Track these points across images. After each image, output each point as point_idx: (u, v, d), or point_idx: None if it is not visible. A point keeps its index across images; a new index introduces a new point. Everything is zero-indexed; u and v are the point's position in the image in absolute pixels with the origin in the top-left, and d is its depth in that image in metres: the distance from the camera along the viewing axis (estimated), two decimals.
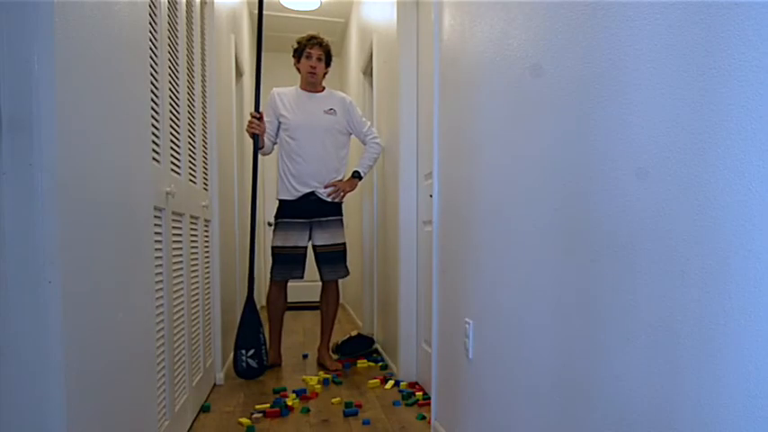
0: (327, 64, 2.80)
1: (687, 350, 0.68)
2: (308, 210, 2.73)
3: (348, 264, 2.87)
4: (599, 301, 0.86)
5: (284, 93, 2.78)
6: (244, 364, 2.52)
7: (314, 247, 2.77)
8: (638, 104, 0.77)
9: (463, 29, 1.53)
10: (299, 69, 2.79)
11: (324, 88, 2.83)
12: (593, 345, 0.88)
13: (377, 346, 3.19)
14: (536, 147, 1.08)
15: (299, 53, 2.76)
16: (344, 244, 2.84)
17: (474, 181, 1.45)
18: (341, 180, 2.77)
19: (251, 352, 2.52)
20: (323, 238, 2.75)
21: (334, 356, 3.00)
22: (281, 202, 2.77)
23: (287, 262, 2.72)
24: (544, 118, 1.05)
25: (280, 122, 2.75)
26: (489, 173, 1.34)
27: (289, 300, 4.28)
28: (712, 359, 0.64)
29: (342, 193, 2.74)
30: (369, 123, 2.86)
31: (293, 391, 2.33)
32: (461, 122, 1.56)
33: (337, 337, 3.28)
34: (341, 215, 2.83)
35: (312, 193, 2.71)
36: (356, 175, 2.77)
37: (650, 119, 0.74)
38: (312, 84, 2.77)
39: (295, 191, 2.71)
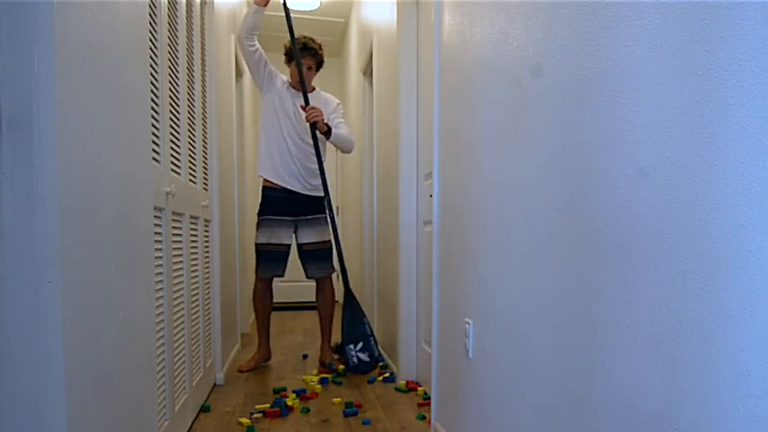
0: (318, 69, 2.84)
1: (687, 350, 0.68)
2: (294, 208, 2.77)
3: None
4: (599, 302, 0.86)
5: (279, 76, 2.80)
6: (355, 359, 2.49)
7: (300, 245, 2.81)
8: (638, 104, 0.77)
9: (463, 29, 1.53)
10: (288, 67, 2.81)
11: (314, 88, 2.86)
12: (592, 345, 0.88)
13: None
14: (536, 147, 1.08)
15: (289, 58, 2.77)
16: (330, 242, 2.86)
17: (474, 181, 1.45)
18: (320, 173, 2.79)
19: (359, 345, 2.49)
20: (310, 235, 2.78)
21: (335, 356, 3.00)
22: (265, 195, 2.77)
23: (272, 260, 2.75)
24: (544, 118, 1.05)
25: (267, 84, 2.75)
26: (489, 173, 1.34)
27: (287, 300, 4.26)
28: (713, 359, 0.64)
29: (316, 116, 2.59)
30: (340, 121, 2.83)
31: (293, 391, 2.33)
32: (461, 122, 1.56)
33: (337, 336, 3.28)
34: (324, 213, 2.85)
35: (296, 192, 2.76)
36: (327, 129, 2.67)
37: (650, 119, 0.74)
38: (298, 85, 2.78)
39: (280, 180, 2.74)
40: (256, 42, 2.68)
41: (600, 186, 0.86)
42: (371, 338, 2.50)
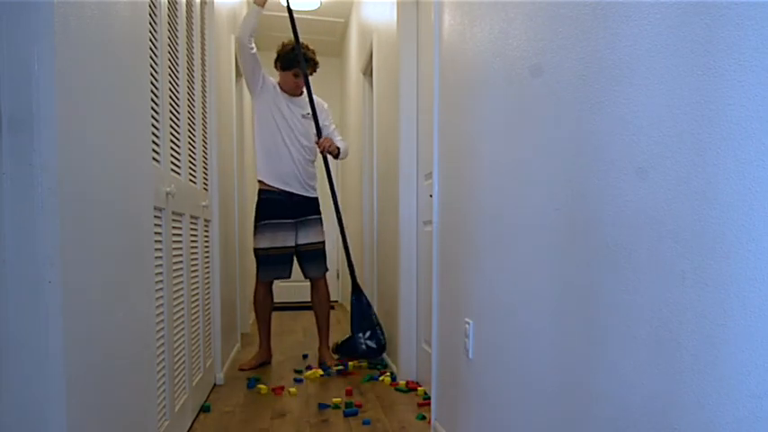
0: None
1: (687, 350, 0.68)
2: (294, 210, 2.78)
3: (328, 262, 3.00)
4: (599, 301, 0.86)
5: (270, 79, 2.80)
6: (363, 346, 2.74)
7: (299, 245, 2.82)
8: (638, 104, 0.77)
9: (463, 29, 1.53)
10: (278, 72, 2.82)
11: (302, 93, 2.86)
12: (592, 344, 0.88)
13: None
14: (536, 147, 1.08)
15: (285, 65, 2.76)
16: (324, 242, 2.90)
17: (474, 181, 1.45)
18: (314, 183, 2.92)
19: (368, 334, 2.75)
20: (308, 236, 2.82)
21: (335, 356, 3.00)
22: (264, 200, 2.77)
23: (278, 263, 2.76)
24: (544, 118, 1.05)
25: (261, 87, 2.75)
26: (489, 173, 1.34)
27: (287, 300, 4.27)
28: (713, 359, 0.64)
29: (326, 148, 2.77)
30: (334, 127, 2.94)
31: (294, 380, 2.34)
32: (461, 122, 1.56)
33: (337, 336, 3.28)
34: (319, 214, 2.90)
35: (295, 194, 2.79)
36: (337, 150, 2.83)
37: (650, 119, 0.74)
38: (292, 92, 2.82)
39: (280, 183, 2.76)
40: (253, 44, 2.69)
41: (600, 186, 0.86)
42: (378, 328, 2.77)
